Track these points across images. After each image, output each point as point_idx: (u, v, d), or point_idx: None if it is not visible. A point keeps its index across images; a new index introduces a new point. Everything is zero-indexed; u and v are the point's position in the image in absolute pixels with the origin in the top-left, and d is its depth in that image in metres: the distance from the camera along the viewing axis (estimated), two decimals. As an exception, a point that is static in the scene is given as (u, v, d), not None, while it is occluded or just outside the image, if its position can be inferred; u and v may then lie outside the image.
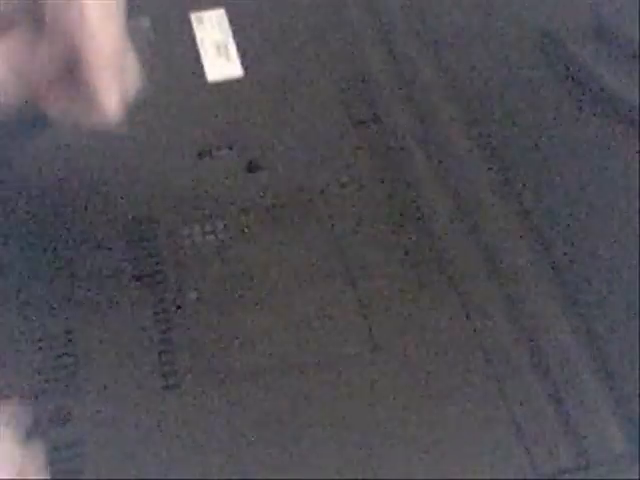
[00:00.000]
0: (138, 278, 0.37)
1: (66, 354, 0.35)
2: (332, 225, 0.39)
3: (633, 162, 0.41)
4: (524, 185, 0.40)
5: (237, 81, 0.45)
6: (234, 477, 0.32)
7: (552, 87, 0.44)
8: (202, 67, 0.46)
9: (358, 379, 0.34)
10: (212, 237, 0.39)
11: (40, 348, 0.35)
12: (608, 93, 0.43)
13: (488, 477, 0.32)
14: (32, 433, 0.30)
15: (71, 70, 0.32)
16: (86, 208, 0.40)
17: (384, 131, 0.43)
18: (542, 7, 0.47)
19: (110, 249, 0.38)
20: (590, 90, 0.44)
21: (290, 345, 0.35)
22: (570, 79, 0.44)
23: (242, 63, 0.46)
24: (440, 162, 0.42)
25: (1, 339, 0.36)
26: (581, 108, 0.43)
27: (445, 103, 0.44)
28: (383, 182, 0.41)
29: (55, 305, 0.37)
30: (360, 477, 0.32)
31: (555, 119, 0.43)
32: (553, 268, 0.38)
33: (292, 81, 0.45)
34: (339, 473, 0.32)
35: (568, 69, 0.45)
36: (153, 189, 0.40)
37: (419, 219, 0.39)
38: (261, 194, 0.40)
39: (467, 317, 0.36)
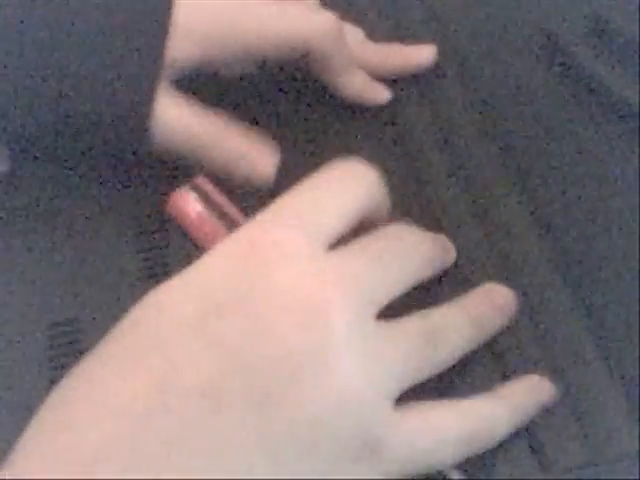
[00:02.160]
0: (147, 275, 0.37)
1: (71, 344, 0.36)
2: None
3: (633, 162, 0.41)
4: (524, 184, 0.41)
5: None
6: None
7: (552, 87, 0.44)
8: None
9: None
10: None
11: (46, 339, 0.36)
12: (608, 93, 0.43)
13: (496, 476, 0.32)
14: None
15: None
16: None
17: (391, 130, 0.43)
18: (542, 7, 0.47)
19: (119, 243, 0.38)
20: (590, 90, 0.44)
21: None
22: (570, 79, 0.45)
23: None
24: (449, 160, 0.42)
25: (6, 330, 0.36)
26: (581, 108, 0.44)
27: (445, 102, 0.44)
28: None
29: (61, 296, 0.37)
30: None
31: (555, 119, 0.43)
32: (563, 265, 0.38)
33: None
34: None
35: (568, 69, 0.45)
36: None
37: (430, 216, 0.39)
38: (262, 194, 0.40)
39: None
